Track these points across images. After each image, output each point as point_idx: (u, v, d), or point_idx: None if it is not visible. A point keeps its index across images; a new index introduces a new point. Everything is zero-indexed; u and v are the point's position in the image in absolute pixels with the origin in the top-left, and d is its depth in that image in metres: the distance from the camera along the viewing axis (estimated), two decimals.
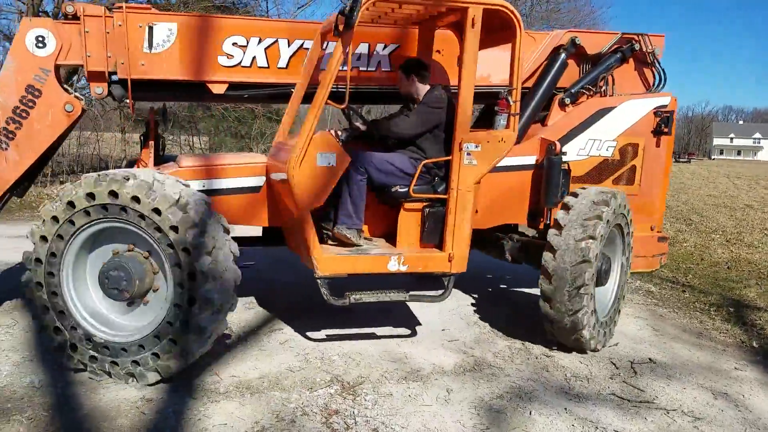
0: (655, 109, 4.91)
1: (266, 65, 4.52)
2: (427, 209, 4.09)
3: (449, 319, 5.07)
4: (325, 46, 4.41)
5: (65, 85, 4.44)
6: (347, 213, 4.09)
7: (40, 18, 5.53)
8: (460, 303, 5.54)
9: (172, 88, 4.58)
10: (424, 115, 4.15)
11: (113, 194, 3.32)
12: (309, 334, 4.49)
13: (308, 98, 4.13)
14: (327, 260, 3.85)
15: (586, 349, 4.32)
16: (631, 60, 5.15)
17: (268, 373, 3.76)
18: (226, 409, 3.25)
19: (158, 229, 3.31)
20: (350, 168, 3.92)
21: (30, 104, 4.12)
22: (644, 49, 5.07)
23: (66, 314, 3.50)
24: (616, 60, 5.03)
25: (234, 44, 4.45)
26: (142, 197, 3.28)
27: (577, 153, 4.82)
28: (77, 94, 4.49)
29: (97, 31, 4.17)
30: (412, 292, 4.10)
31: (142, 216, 3.31)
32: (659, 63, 5.19)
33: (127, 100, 4.36)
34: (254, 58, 4.48)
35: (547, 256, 4.19)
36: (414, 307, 5.22)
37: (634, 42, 5.04)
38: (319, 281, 3.85)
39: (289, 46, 4.55)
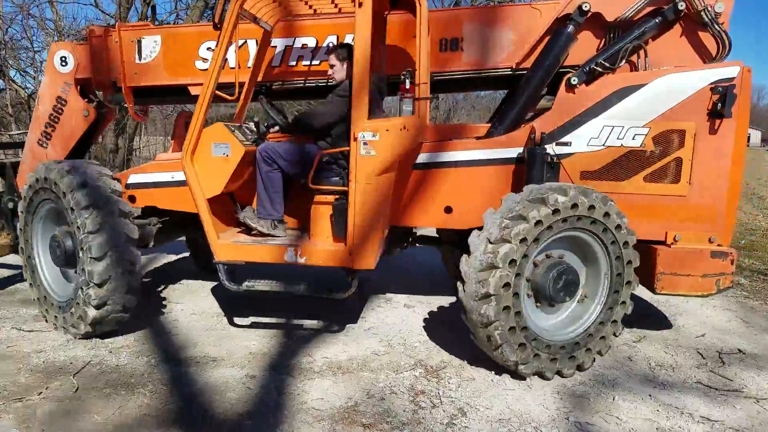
0: (712, 84, 3.91)
1: (237, 66, 4.74)
2: (336, 202, 3.95)
3: None
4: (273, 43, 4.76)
5: (91, 95, 5.35)
6: (261, 203, 4.20)
7: (63, 42, 6.59)
8: None
9: (161, 92, 5.19)
10: (331, 105, 4.02)
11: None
12: (390, 322, 4.69)
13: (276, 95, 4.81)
14: (223, 247, 4.02)
15: (517, 372, 3.64)
16: (678, 25, 4.17)
17: (356, 356, 3.99)
18: (322, 386, 3.51)
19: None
20: (259, 159, 4.10)
21: (59, 111, 5.15)
22: (695, 8, 4.01)
23: None
24: (652, 26, 4.10)
25: (208, 49, 4.86)
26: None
27: (587, 143, 4.07)
28: (96, 101, 5.35)
29: (100, 48, 4.99)
30: (313, 288, 4.02)
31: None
32: (718, 24, 4.06)
33: (126, 105, 5.13)
34: (226, 60, 4.58)
35: (463, 257, 3.65)
36: None
37: (677, 1, 4.01)
38: (217, 266, 4.06)
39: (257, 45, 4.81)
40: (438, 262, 6.41)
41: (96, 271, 3.88)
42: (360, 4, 3.56)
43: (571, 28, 4.16)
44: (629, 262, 3.80)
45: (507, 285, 3.45)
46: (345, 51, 4.14)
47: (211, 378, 3.59)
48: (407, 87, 3.81)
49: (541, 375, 3.69)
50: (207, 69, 4.04)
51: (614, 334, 3.88)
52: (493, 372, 3.78)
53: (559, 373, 3.72)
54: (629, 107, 4.00)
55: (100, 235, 3.90)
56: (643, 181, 4.07)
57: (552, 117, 4.08)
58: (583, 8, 4.11)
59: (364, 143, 3.70)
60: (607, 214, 3.67)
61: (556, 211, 3.51)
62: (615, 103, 4.02)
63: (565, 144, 4.08)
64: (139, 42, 4.94)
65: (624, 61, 4.11)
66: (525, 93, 4.22)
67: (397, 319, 4.79)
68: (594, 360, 3.84)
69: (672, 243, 4.08)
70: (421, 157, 4.17)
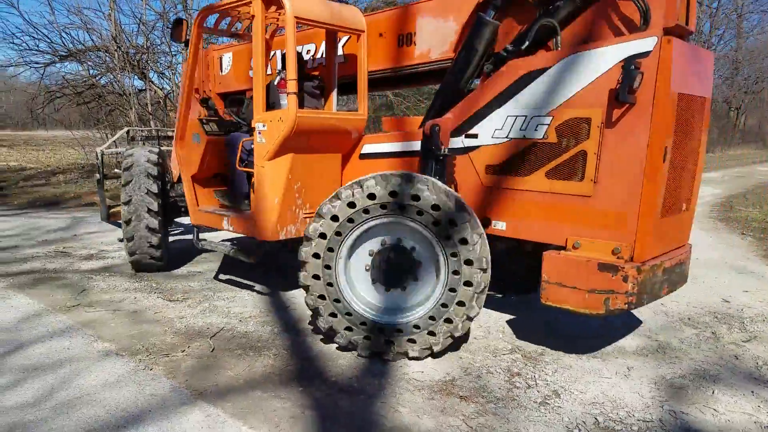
0: (623, 61, 3.27)
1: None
2: (253, 182, 4.54)
3: None
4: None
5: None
6: (229, 183, 5.20)
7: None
8: None
9: (235, 97, 5.85)
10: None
11: None
12: (487, 310, 4.88)
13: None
14: (195, 214, 5.21)
15: (334, 341, 3.88)
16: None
17: (455, 338, 4.23)
18: (422, 361, 3.81)
19: None
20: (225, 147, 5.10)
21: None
22: None
23: None
24: (566, 3, 3.62)
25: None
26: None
27: (492, 135, 3.80)
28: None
29: (201, 64, 5.85)
30: (235, 250, 4.96)
31: None
32: None
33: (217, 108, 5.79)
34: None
35: (302, 246, 3.91)
36: None
37: None
38: (192, 228, 5.30)
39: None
40: None
41: (125, 230, 5.61)
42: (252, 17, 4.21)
43: (490, 12, 3.90)
44: (462, 240, 3.53)
45: (317, 255, 3.78)
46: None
47: (325, 347, 4.02)
48: (284, 82, 4.28)
49: (354, 348, 3.84)
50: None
51: (467, 317, 3.64)
52: (590, 361, 3.89)
53: (382, 353, 3.75)
54: (533, 94, 3.63)
55: (127, 206, 5.51)
56: (545, 177, 3.65)
57: (464, 108, 3.96)
58: None
59: (259, 132, 4.32)
60: (416, 197, 3.54)
61: (371, 196, 3.63)
62: (518, 90, 3.68)
63: (473, 136, 3.91)
64: (221, 59, 6.01)
65: (529, 42, 3.71)
66: (446, 84, 4.16)
67: (495, 306, 4.98)
68: (447, 343, 3.71)
69: (571, 250, 3.59)
70: (365, 148, 4.69)
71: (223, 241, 5.46)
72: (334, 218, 3.76)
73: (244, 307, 4.85)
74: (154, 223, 5.55)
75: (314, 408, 3.17)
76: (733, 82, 36.29)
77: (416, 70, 4.67)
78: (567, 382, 3.56)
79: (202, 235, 5.53)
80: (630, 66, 3.18)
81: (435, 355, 3.83)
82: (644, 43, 3.22)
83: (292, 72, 4.07)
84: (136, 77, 14.47)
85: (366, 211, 3.69)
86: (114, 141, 8.49)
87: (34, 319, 4.47)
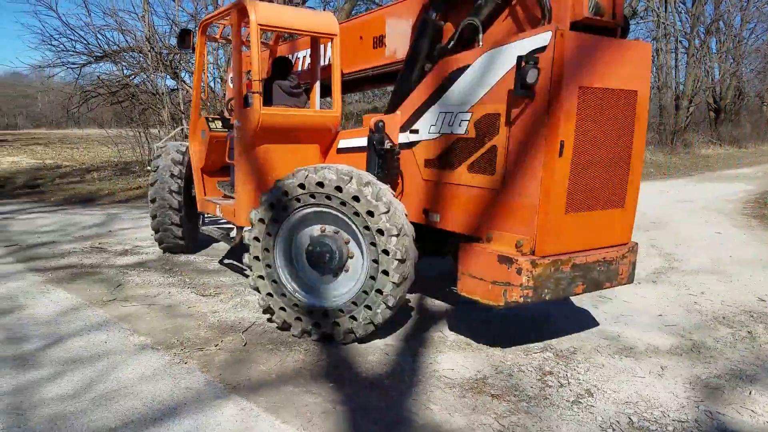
0: (520, 57, 3.26)
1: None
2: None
3: (668, 305, 5.05)
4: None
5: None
6: (229, 174, 5.54)
7: None
8: (680, 292, 5.45)
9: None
10: None
11: None
12: (519, 309, 4.85)
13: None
14: (201, 202, 5.89)
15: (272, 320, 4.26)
16: None
17: (486, 335, 4.23)
18: (453, 358, 3.81)
19: None
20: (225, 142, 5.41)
21: None
22: None
23: None
24: (487, 2, 3.72)
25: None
26: None
27: (428, 131, 3.98)
28: None
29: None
30: (222, 234, 5.70)
31: None
32: None
33: None
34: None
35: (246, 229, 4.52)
36: (630, 292, 5.28)
37: None
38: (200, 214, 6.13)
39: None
40: None
41: (152, 224, 6.41)
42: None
43: (431, 14, 4.04)
44: (379, 231, 3.70)
45: (257, 239, 4.15)
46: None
47: (354, 344, 4.03)
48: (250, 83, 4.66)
49: (286, 327, 4.16)
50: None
51: (386, 306, 3.78)
52: (622, 360, 3.85)
53: (307, 332, 4.04)
54: (457, 92, 3.78)
55: (153, 204, 6.28)
56: (467, 171, 3.77)
57: (408, 105, 4.17)
58: None
59: (237, 128, 4.83)
60: (339, 188, 3.76)
61: (301, 185, 3.89)
62: (447, 88, 3.84)
63: (415, 132, 4.10)
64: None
65: (454, 41, 3.88)
66: (398, 83, 4.36)
67: (527, 305, 4.93)
68: (369, 330, 3.90)
69: (485, 242, 3.66)
70: (341, 143, 4.99)
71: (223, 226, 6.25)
72: (271, 206, 4.09)
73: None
74: (176, 218, 6.27)
75: (345, 403, 3.20)
76: (766, 77, 35.36)
77: (389, 70, 4.88)
78: (600, 381, 3.53)
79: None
80: (521, 62, 3.19)
81: (360, 341, 4.01)
82: (540, 39, 3.25)
83: (256, 74, 4.49)
84: (168, 77, 14.70)
85: (297, 199, 3.98)
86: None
87: (72, 312, 4.59)
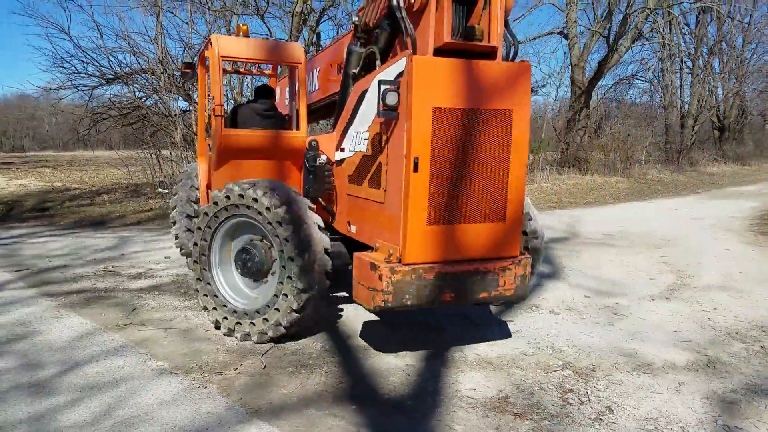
0: (380, 81, 3.61)
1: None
2: None
3: (682, 321, 5.06)
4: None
5: None
6: None
7: None
8: (693, 308, 5.47)
9: None
10: None
11: None
12: (537, 327, 4.88)
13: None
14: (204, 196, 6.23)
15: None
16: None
17: (505, 354, 4.25)
18: (474, 378, 3.83)
19: None
20: None
21: None
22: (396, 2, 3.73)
23: None
24: (382, 28, 4.08)
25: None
26: None
27: (348, 148, 4.38)
28: None
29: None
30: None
31: None
32: (402, 11, 3.71)
33: None
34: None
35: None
36: (645, 309, 5.31)
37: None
38: None
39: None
40: (585, 273, 6.44)
41: (173, 229, 7.08)
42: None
43: (356, 42, 4.47)
44: (285, 239, 4.11)
45: (196, 245, 4.72)
46: None
47: (375, 364, 4.06)
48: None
49: (218, 326, 4.66)
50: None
51: (291, 310, 4.16)
52: (641, 377, 3.86)
53: (232, 332, 4.51)
54: (363, 112, 4.12)
55: (174, 210, 7.07)
56: (368, 186, 4.09)
57: (339, 125, 4.59)
58: (354, 22, 4.39)
59: (211, 147, 5.49)
60: (255, 200, 4.24)
61: (227, 197, 4.42)
62: (357, 109, 4.20)
63: (342, 150, 4.47)
64: None
65: (359, 67, 4.34)
66: (337, 106, 4.72)
67: (544, 324, 4.97)
68: (279, 333, 4.29)
69: (374, 251, 3.94)
70: None
71: None
72: (206, 214, 4.64)
73: None
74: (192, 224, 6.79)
75: (369, 426, 3.21)
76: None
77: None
78: (620, 398, 3.54)
79: None
80: (380, 85, 3.52)
81: (276, 341, 4.39)
82: (400, 64, 3.58)
83: (218, 98, 5.08)
84: (180, 98, 14.79)
85: (225, 209, 4.49)
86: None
87: (87, 338, 4.60)
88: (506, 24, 3.81)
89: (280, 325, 4.21)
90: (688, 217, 11.93)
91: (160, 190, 8.28)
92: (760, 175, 25.96)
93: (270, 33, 16.37)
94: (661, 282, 6.45)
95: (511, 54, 3.93)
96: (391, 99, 3.48)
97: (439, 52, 3.65)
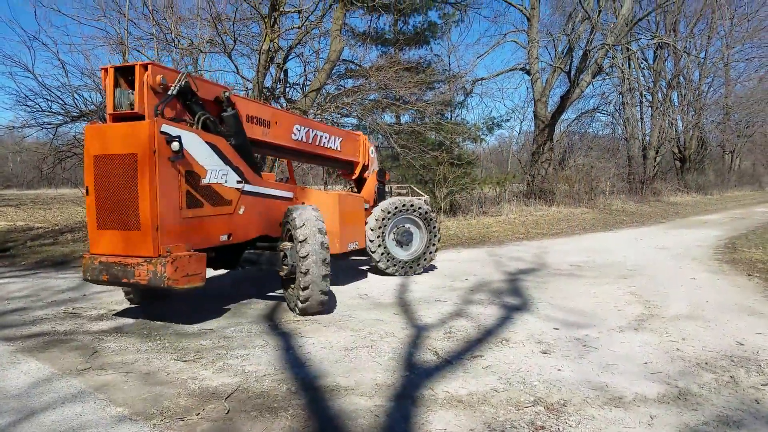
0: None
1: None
2: None
3: (652, 352, 5.07)
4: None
5: None
6: None
7: None
8: (662, 338, 5.49)
9: (276, 149, 8.10)
10: None
11: None
12: (508, 361, 4.83)
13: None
14: None
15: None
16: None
17: (476, 391, 4.18)
18: (444, 417, 3.74)
19: None
20: None
21: None
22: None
23: None
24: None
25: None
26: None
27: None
28: None
29: None
30: None
31: None
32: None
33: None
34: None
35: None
36: (615, 341, 5.31)
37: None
38: None
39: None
40: (552, 304, 6.42)
41: None
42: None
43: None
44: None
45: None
46: None
47: (343, 405, 3.95)
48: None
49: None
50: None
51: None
52: (612, 411, 3.83)
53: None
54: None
55: None
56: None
57: None
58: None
59: None
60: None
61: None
62: None
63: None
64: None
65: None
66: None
67: (515, 358, 4.92)
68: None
69: None
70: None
71: None
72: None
73: (258, 365, 4.79)
74: None
75: None
76: (725, 127, 37.15)
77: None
78: None
79: None
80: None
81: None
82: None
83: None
84: None
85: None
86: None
87: (44, 384, 4.41)
88: (156, 92, 5.66)
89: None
90: (653, 247, 12.14)
91: None
92: (722, 205, 26.70)
93: (237, 70, 16.45)
94: (629, 312, 6.49)
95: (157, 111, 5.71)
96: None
97: (116, 118, 5.74)
